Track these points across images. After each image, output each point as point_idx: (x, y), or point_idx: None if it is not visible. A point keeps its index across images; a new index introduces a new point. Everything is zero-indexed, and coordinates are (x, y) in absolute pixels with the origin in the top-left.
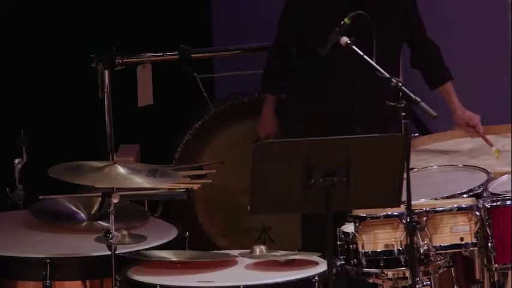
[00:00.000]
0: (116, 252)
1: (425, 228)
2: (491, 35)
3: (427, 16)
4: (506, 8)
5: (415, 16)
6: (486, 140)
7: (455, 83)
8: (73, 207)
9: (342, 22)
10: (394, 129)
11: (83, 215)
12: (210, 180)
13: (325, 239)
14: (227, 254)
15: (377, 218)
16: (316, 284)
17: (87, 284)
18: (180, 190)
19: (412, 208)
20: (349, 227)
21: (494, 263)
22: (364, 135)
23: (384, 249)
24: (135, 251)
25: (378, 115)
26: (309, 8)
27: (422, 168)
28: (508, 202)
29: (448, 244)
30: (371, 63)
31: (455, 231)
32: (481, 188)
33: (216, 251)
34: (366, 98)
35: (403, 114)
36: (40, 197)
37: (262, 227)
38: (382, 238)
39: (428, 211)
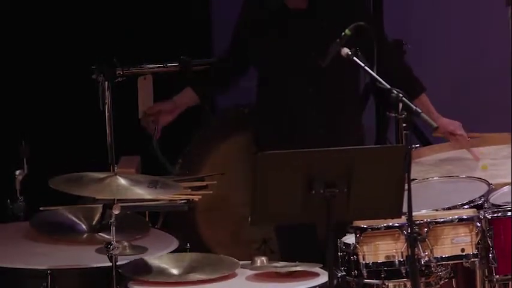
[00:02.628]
0: (117, 263)
1: (426, 239)
2: (491, 46)
3: (427, 24)
4: (506, 19)
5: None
6: (473, 155)
7: (458, 93)
8: (74, 219)
9: (343, 33)
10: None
11: (83, 226)
12: (211, 192)
13: (302, 247)
14: (227, 259)
15: (378, 229)
16: None
17: None
18: (181, 201)
19: (413, 219)
20: (350, 238)
21: (495, 274)
22: (366, 147)
23: (384, 260)
24: (135, 259)
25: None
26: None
27: (423, 179)
28: (509, 213)
29: (449, 255)
30: (372, 74)
31: (456, 242)
32: (482, 199)
33: (214, 254)
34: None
35: (404, 125)
36: (41, 209)
37: (263, 238)
38: (383, 249)
39: (429, 222)
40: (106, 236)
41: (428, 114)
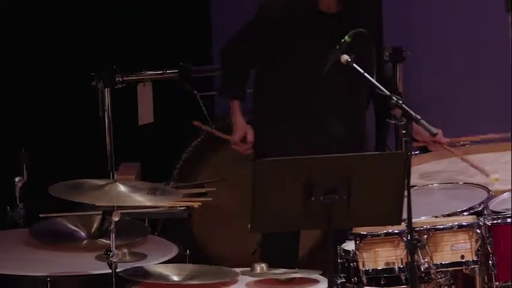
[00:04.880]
0: (117, 270)
1: (426, 246)
2: (491, 53)
3: (427, 31)
4: (506, 26)
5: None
6: (475, 167)
7: (459, 100)
8: (72, 227)
9: (343, 40)
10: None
11: (82, 233)
12: (211, 198)
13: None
14: (228, 270)
15: (377, 235)
16: None
17: None
18: (180, 208)
19: (413, 226)
20: (349, 245)
21: (495, 281)
22: (365, 153)
23: (384, 267)
24: (135, 267)
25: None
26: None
27: (423, 186)
28: (509, 220)
29: (449, 262)
30: (371, 81)
31: (456, 249)
32: (482, 206)
33: (216, 266)
34: (342, 101)
35: (404, 132)
36: (41, 215)
37: (258, 242)
38: (383, 256)
39: (429, 229)
40: (106, 241)
41: None
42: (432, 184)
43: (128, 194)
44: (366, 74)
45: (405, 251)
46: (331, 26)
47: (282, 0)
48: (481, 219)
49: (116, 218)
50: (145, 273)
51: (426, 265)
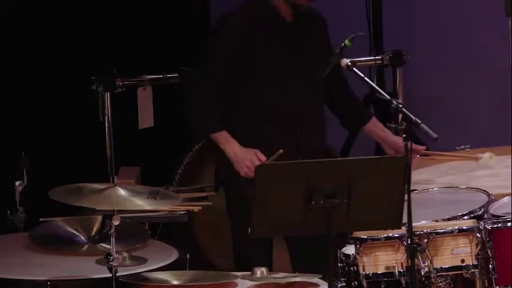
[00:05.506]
0: (117, 274)
1: (426, 250)
2: (491, 57)
3: (427, 35)
4: (506, 30)
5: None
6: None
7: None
8: (73, 230)
9: (343, 44)
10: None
11: (83, 237)
12: (211, 203)
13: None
14: (228, 275)
15: (378, 239)
16: None
17: None
18: (181, 212)
19: (413, 230)
20: (349, 249)
21: (495, 285)
22: (365, 157)
23: (384, 271)
24: (135, 273)
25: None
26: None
27: (423, 190)
28: (509, 224)
29: (449, 266)
30: (371, 85)
31: (456, 253)
32: (482, 210)
33: (217, 271)
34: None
35: (404, 136)
36: (41, 220)
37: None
38: (383, 260)
39: (429, 233)
40: (106, 246)
41: (382, 132)
42: (432, 188)
43: (128, 198)
44: (366, 78)
45: (405, 255)
46: (291, 33)
47: (243, 14)
48: (481, 223)
49: (116, 222)
50: (144, 279)
51: (426, 269)
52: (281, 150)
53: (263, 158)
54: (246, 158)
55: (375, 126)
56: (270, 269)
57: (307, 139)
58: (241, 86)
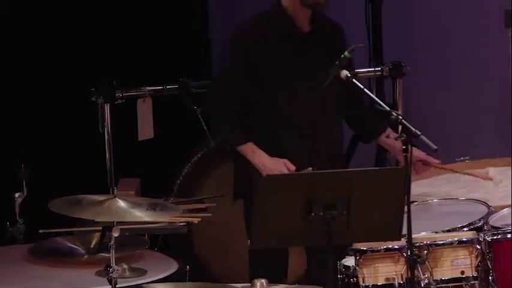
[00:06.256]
0: (117, 286)
1: (426, 262)
2: (491, 68)
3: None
4: (506, 41)
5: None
6: (481, 178)
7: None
8: (72, 245)
9: (342, 55)
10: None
11: (82, 249)
12: (211, 214)
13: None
14: (227, 287)
15: (378, 251)
16: None
17: None
18: (180, 224)
19: (413, 241)
20: (349, 261)
21: None
22: (365, 169)
23: (384, 282)
24: (135, 285)
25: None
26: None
27: (423, 201)
28: (509, 235)
29: (449, 277)
30: (371, 96)
31: (456, 265)
32: (482, 221)
33: (216, 283)
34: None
35: (404, 147)
36: (40, 231)
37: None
38: (383, 271)
39: (429, 244)
40: (105, 255)
41: (398, 143)
42: (432, 199)
43: (127, 209)
44: (365, 89)
45: (405, 267)
46: (307, 43)
47: (259, 24)
48: (481, 234)
49: (115, 234)
50: None
51: (426, 281)
52: (310, 168)
53: (292, 167)
54: (275, 169)
55: (390, 138)
56: (286, 276)
57: (323, 150)
58: (257, 96)
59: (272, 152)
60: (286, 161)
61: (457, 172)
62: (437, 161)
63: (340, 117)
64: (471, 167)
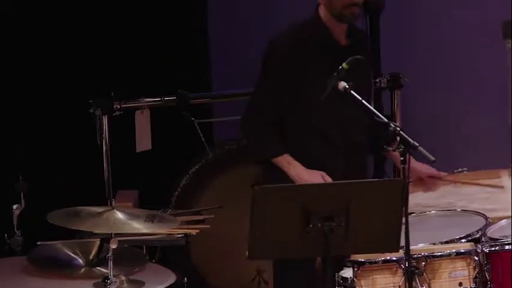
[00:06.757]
0: None
1: (424, 273)
2: (490, 79)
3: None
4: (504, 52)
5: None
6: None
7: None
8: (71, 253)
9: (340, 67)
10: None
11: (80, 261)
12: (209, 226)
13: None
14: None
15: (375, 263)
16: None
17: None
18: (178, 235)
19: (411, 253)
20: (347, 272)
21: None
22: (363, 180)
23: None
24: None
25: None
26: (293, 74)
27: (421, 212)
28: (507, 247)
29: None
30: (369, 108)
31: (454, 276)
32: (480, 233)
33: None
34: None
35: (401, 159)
36: (38, 243)
37: (257, 269)
38: (381, 283)
39: (427, 256)
40: (103, 270)
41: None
42: (430, 211)
43: (125, 221)
44: (363, 101)
45: (403, 278)
46: (343, 55)
47: (295, 35)
48: (479, 246)
49: (113, 246)
50: None
51: None
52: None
53: (329, 179)
54: (312, 180)
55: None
56: None
57: (353, 160)
58: (292, 108)
59: (305, 163)
60: (323, 173)
61: (467, 183)
62: (446, 174)
63: (366, 129)
64: (470, 178)
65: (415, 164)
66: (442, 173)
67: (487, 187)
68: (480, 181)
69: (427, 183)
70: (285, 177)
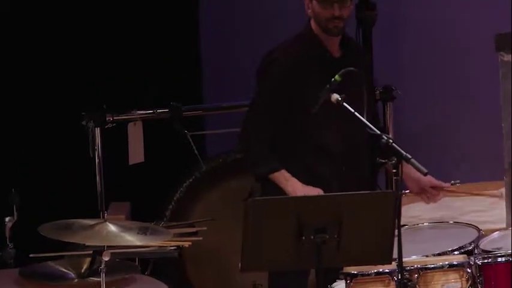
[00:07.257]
0: None
1: (417, 286)
2: (482, 91)
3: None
4: (497, 63)
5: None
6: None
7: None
8: (63, 269)
9: (333, 79)
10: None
11: (72, 273)
12: (201, 238)
13: None
14: None
15: (368, 275)
16: None
17: None
18: (171, 248)
19: (404, 265)
20: (340, 285)
21: None
22: (355, 192)
23: None
24: None
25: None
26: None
27: (413, 224)
28: (499, 259)
29: None
30: (362, 120)
31: None
32: (472, 245)
33: None
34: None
35: (394, 171)
36: (31, 255)
37: (253, 283)
38: None
39: (420, 268)
40: (96, 279)
41: (406, 168)
42: (423, 223)
43: (118, 233)
44: (356, 113)
45: None
46: (338, 68)
47: (291, 49)
48: (472, 258)
49: (106, 258)
50: None
51: None
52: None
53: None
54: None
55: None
56: None
57: (352, 174)
58: (288, 121)
59: (303, 177)
60: (319, 190)
61: (468, 194)
62: (448, 185)
63: (367, 141)
64: (464, 190)
65: (417, 175)
66: (444, 183)
67: (488, 197)
68: (487, 192)
69: (429, 193)
70: (284, 191)
